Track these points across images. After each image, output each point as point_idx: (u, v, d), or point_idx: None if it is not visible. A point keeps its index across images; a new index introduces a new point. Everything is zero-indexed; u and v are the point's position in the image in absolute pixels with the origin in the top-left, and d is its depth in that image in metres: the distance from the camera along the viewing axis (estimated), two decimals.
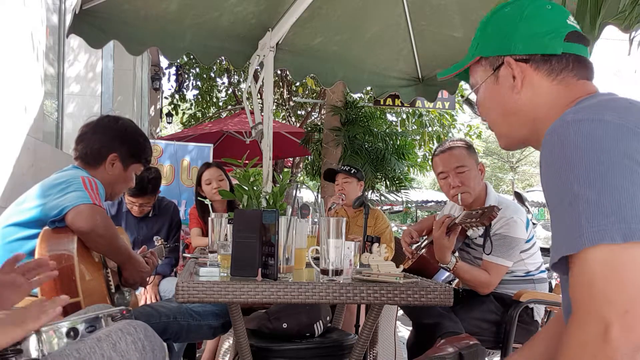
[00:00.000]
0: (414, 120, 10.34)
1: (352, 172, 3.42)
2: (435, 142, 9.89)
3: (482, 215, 2.02)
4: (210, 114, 13.70)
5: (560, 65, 1.00)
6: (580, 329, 0.73)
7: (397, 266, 1.60)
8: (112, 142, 1.98)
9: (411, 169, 8.98)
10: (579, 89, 0.99)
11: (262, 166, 3.38)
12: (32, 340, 1.02)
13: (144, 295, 2.96)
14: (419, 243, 2.53)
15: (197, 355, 3.08)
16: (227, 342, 2.76)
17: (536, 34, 1.01)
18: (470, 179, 2.28)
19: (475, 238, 2.36)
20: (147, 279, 2.04)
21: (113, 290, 1.88)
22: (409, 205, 17.61)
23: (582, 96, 0.96)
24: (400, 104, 8.95)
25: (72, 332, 1.09)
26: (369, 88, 4.05)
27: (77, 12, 2.65)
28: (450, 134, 10.48)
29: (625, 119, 0.79)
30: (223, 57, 3.98)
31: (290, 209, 1.64)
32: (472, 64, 1.10)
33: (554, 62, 1.00)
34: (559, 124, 0.83)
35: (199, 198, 3.29)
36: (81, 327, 1.11)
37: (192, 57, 9.64)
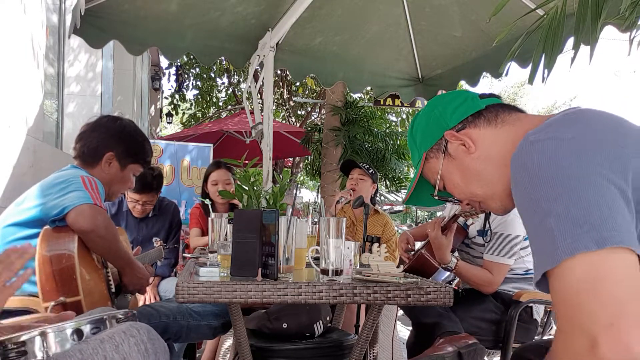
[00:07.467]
0: None
1: (370, 171, 3.38)
2: None
3: None
4: (210, 114, 13.70)
5: (492, 114, 1.08)
6: (568, 344, 0.75)
7: (397, 267, 1.60)
8: (109, 140, 1.97)
9: (411, 169, 8.98)
10: (527, 119, 1.05)
11: (262, 166, 3.38)
12: (37, 341, 1.02)
13: (144, 296, 2.95)
14: (417, 249, 2.52)
15: (197, 355, 3.08)
16: (227, 342, 2.76)
17: (457, 106, 1.11)
18: None
19: (474, 237, 2.36)
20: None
21: (113, 290, 1.88)
22: (409, 205, 17.61)
23: (537, 122, 0.99)
24: (400, 104, 8.96)
25: (77, 334, 1.09)
26: (369, 88, 4.05)
27: (82, 14, 2.63)
28: None
29: (582, 135, 0.83)
30: (223, 57, 3.98)
31: (291, 209, 1.64)
32: (422, 165, 1.16)
33: (485, 114, 1.08)
34: (522, 145, 0.88)
35: (201, 198, 3.28)
36: (86, 329, 1.11)
37: (192, 57, 9.67)
